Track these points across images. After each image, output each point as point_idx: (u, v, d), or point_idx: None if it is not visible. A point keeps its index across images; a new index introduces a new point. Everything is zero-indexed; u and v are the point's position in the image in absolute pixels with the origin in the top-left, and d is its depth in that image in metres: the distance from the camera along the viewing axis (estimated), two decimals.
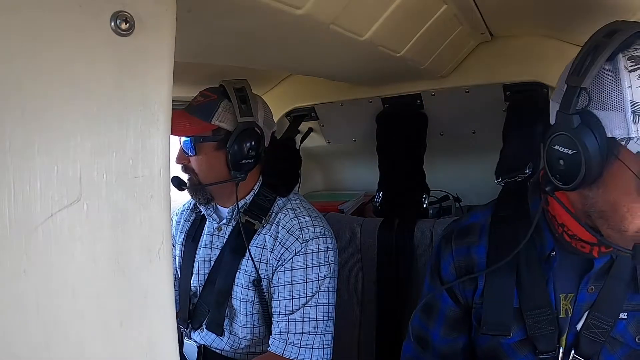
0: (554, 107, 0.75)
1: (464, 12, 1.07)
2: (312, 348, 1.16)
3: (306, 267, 1.18)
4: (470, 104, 1.55)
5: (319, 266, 1.19)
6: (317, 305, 1.18)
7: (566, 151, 0.69)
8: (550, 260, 0.86)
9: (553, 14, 1.14)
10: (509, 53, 1.42)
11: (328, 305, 1.20)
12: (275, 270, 1.20)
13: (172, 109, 0.50)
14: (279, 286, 1.19)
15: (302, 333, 1.16)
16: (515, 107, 1.39)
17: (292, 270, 1.18)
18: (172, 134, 1.19)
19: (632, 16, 0.94)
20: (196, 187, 1.23)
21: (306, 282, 1.18)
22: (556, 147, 0.71)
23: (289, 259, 1.19)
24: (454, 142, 1.75)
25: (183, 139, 1.20)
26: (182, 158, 1.22)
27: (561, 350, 0.87)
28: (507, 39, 1.42)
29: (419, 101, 1.61)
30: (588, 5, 0.96)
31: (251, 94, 1.22)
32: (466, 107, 1.57)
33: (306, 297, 1.17)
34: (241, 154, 1.18)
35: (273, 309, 1.21)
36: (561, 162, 0.70)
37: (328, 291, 1.20)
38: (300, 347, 1.16)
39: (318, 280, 1.18)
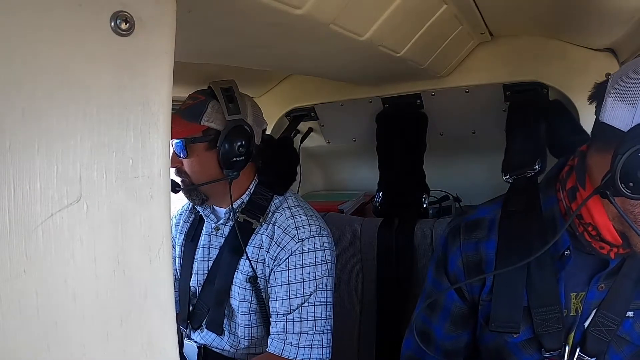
0: (614, 104, 0.73)
1: (464, 12, 1.07)
2: (311, 348, 1.16)
3: (302, 267, 1.18)
4: (470, 104, 1.55)
5: (315, 265, 1.19)
6: (314, 305, 1.18)
7: None
8: (564, 259, 0.85)
9: (553, 14, 1.14)
10: (509, 53, 1.42)
11: (326, 305, 1.19)
12: (272, 270, 1.20)
13: (173, 110, 0.50)
14: (276, 286, 1.19)
15: (301, 333, 1.16)
16: (517, 106, 1.39)
17: (288, 270, 1.18)
18: (171, 137, 1.18)
19: (631, 17, 0.94)
20: (190, 188, 1.23)
21: (303, 282, 1.18)
22: None
23: (285, 259, 1.19)
24: (454, 142, 1.75)
25: (175, 142, 1.20)
26: (175, 161, 1.22)
27: (567, 348, 0.87)
28: (507, 39, 1.42)
29: (419, 101, 1.61)
30: (588, 5, 0.96)
31: (238, 93, 1.23)
32: (466, 107, 1.57)
33: (303, 296, 1.17)
34: (232, 152, 1.18)
35: (271, 309, 1.21)
36: None
37: (325, 290, 1.20)
38: (299, 347, 1.16)
39: (315, 279, 1.18)
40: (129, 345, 0.47)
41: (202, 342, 1.31)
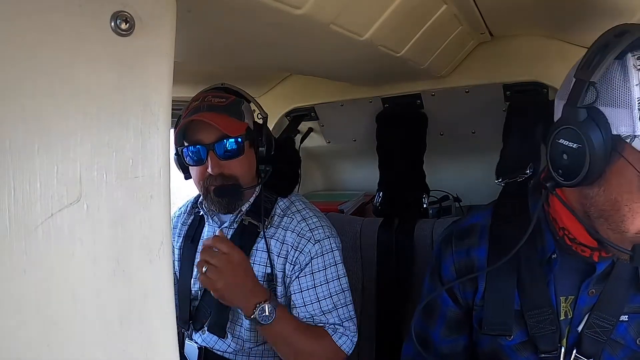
0: (559, 105, 0.75)
1: (464, 12, 1.07)
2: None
3: (325, 268, 1.19)
4: (470, 104, 1.55)
5: (335, 265, 1.21)
6: (345, 305, 1.21)
7: (571, 145, 0.69)
8: (551, 262, 0.86)
9: (553, 14, 1.14)
10: (509, 53, 1.42)
11: (349, 305, 1.22)
12: (296, 276, 1.19)
13: (173, 110, 0.50)
14: (302, 292, 1.18)
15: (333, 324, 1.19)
16: (515, 108, 1.39)
17: (312, 273, 1.19)
18: (230, 134, 1.14)
19: (631, 17, 0.94)
20: (239, 191, 1.18)
21: (328, 282, 1.19)
22: (561, 140, 0.71)
23: (308, 263, 1.19)
24: (454, 142, 1.75)
25: (229, 140, 1.14)
26: (218, 165, 1.15)
27: (562, 350, 0.87)
28: (507, 39, 1.42)
29: (419, 101, 1.61)
30: (588, 5, 0.96)
31: None
32: (466, 107, 1.56)
33: (331, 297, 1.18)
34: (269, 147, 1.23)
35: (300, 314, 1.19)
36: (565, 156, 0.70)
37: (345, 291, 1.22)
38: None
39: (339, 278, 1.21)
40: (129, 346, 0.47)
41: (203, 343, 1.31)
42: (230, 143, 1.15)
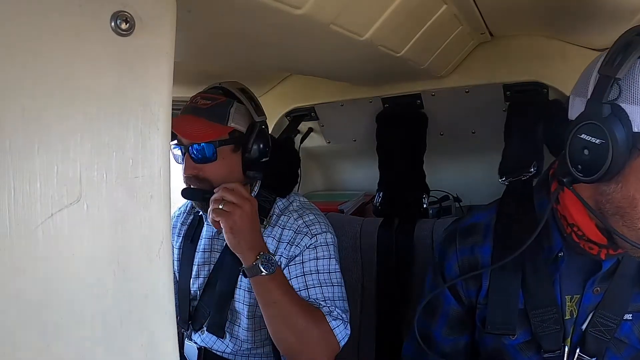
0: (574, 101, 0.75)
1: (464, 12, 1.07)
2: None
3: (317, 259, 1.19)
4: (470, 104, 1.55)
5: (329, 258, 1.20)
6: (333, 300, 1.18)
7: (593, 140, 0.69)
8: (558, 261, 0.86)
9: (553, 14, 1.14)
10: (509, 53, 1.42)
11: (340, 300, 1.20)
12: (286, 266, 1.20)
13: (173, 110, 0.50)
14: (290, 280, 1.17)
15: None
16: (516, 107, 1.39)
17: (302, 262, 1.18)
18: (193, 140, 1.13)
19: (632, 17, 0.94)
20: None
21: (318, 273, 1.18)
22: (583, 135, 0.70)
23: (300, 254, 1.19)
24: (454, 142, 1.75)
25: (199, 145, 1.13)
26: (193, 167, 1.15)
27: (566, 349, 0.87)
28: (507, 39, 1.42)
29: (419, 101, 1.61)
30: (588, 5, 0.96)
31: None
32: (466, 107, 1.56)
33: (321, 287, 1.17)
34: (259, 153, 1.20)
35: None
36: (586, 151, 0.70)
37: (336, 286, 1.20)
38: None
39: (329, 272, 1.19)
40: (129, 345, 0.47)
41: (202, 344, 1.31)
42: (197, 149, 1.14)
